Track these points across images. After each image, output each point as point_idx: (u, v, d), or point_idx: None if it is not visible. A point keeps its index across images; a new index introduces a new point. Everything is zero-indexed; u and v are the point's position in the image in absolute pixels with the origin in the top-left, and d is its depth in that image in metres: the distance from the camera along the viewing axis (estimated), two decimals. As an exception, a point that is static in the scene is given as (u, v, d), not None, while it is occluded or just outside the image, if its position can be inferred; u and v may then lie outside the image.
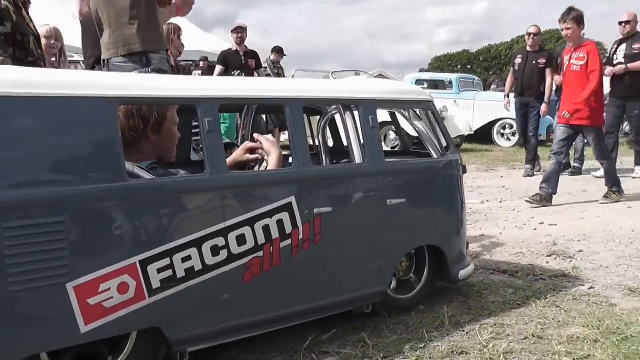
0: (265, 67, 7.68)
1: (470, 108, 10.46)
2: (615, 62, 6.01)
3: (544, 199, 4.50)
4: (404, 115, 2.38)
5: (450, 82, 11.09)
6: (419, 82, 11.67)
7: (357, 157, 2.05)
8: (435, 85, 11.28)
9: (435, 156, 2.28)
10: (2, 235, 1.44)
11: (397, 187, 2.13)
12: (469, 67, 70.43)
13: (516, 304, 2.37)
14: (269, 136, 2.11)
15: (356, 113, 2.10)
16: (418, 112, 2.31)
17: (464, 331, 2.10)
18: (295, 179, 1.90)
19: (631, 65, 5.84)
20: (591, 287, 2.63)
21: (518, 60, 6.62)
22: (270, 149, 2.03)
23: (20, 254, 1.46)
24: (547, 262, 3.06)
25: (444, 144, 2.32)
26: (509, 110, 7.67)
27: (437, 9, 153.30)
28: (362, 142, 2.07)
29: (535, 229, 3.80)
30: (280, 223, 1.85)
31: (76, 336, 1.56)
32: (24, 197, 1.47)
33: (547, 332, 2.09)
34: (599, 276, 2.83)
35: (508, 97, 6.99)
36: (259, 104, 1.95)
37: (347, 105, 2.08)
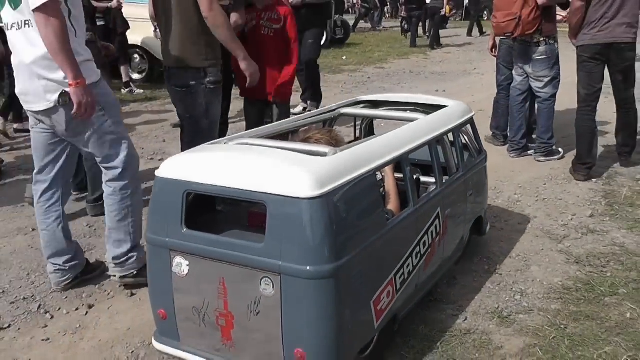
0: None
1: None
2: None
3: None
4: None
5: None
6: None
7: (454, 168, 3.01)
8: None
9: (477, 155, 3.34)
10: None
11: (471, 182, 3.16)
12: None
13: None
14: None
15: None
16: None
17: None
18: (441, 195, 2.82)
19: None
20: (465, 319, 2.86)
21: None
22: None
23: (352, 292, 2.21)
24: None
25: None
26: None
27: None
28: (455, 155, 3.03)
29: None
30: (435, 227, 2.78)
31: (373, 331, 2.39)
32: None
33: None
34: (459, 296, 3.07)
35: None
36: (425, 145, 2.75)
37: (450, 131, 2.99)
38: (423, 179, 3.02)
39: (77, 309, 3.04)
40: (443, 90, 8.90)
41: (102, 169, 3.05)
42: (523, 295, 3.13)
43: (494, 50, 5.71)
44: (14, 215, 4.27)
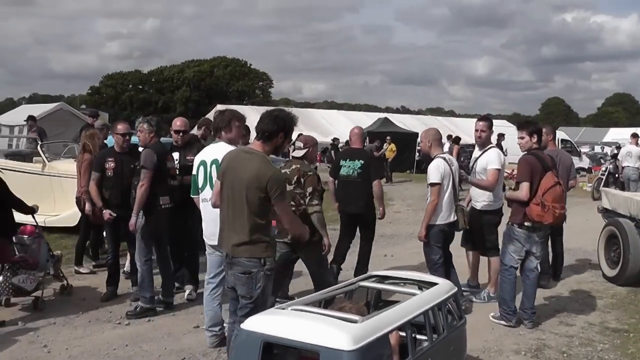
0: None
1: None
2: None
3: None
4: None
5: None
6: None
7: (441, 329, 4.32)
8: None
9: (458, 320, 4.66)
10: None
11: (453, 339, 4.45)
12: (140, 87, 75.41)
13: None
14: None
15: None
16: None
17: None
18: (431, 349, 4.10)
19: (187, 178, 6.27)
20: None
21: None
22: None
23: None
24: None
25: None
26: None
27: (109, 22, 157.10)
28: (442, 320, 4.34)
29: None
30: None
31: None
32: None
33: None
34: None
35: None
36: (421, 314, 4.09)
37: (439, 304, 4.34)
38: (419, 336, 4.31)
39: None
40: (391, 255, 9.63)
41: (244, 304, 4.37)
42: None
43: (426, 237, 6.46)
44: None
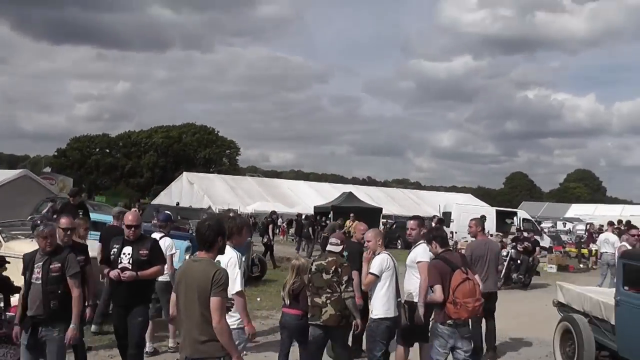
0: None
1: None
2: (120, 265, 6.45)
3: None
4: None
5: None
6: None
7: None
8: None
9: None
10: None
11: None
12: (107, 150, 74.98)
13: None
14: None
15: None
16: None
17: None
18: None
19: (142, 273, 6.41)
20: None
21: None
22: None
23: None
24: None
25: None
26: None
27: (80, 82, 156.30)
28: None
29: None
30: None
31: None
32: None
33: None
34: None
35: None
36: None
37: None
38: None
39: None
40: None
41: None
42: None
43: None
44: None
